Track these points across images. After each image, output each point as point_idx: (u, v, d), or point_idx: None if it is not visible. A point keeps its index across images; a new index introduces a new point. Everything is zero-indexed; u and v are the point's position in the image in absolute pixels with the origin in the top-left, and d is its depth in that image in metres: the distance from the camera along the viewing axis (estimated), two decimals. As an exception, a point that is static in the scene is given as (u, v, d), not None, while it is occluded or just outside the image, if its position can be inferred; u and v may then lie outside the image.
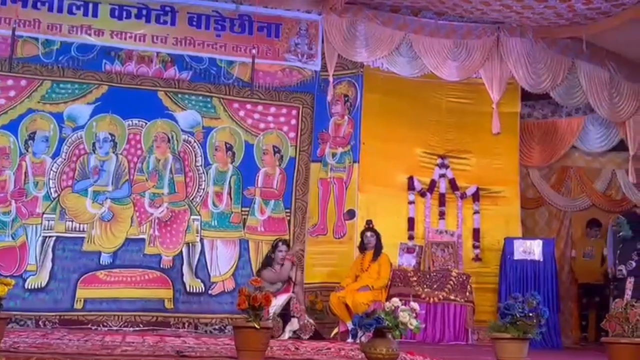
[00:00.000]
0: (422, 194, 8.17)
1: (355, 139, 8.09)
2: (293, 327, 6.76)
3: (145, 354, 4.27)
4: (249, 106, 8.11)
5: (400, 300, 4.37)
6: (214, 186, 7.91)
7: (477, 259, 8.10)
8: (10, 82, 7.49)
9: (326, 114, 8.22)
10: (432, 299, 7.34)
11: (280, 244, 7.19)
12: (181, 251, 7.69)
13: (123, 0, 7.68)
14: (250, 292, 4.02)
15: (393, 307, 4.16)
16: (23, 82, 7.51)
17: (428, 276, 7.56)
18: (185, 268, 7.66)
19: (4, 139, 7.42)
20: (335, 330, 7.10)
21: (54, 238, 7.38)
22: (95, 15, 7.62)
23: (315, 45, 8.16)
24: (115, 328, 7.10)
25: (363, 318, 4.14)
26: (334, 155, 8.16)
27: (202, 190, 7.89)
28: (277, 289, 6.96)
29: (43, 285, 7.26)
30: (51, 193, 7.46)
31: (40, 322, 6.97)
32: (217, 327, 7.46)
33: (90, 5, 7.60)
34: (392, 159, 8.06)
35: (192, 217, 7.80)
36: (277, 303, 6.70)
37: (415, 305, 4.19)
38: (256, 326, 3.97)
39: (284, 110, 8.22)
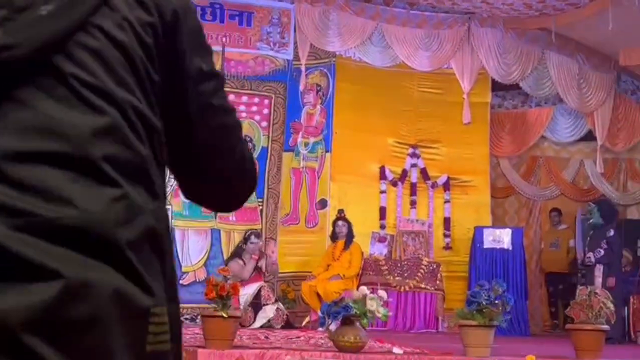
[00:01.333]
0: (394, 183, 8.22)
1: (327, 128, 8.10)
2: (267, 314, 6.76)
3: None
4: (220, 95, 8.06)
5: (370, 288, 4.41)
6: (185, 175, 7.85)
7: (447, 247, 8.18)
8: None
9: (298, 103, 8.22)
10: (402, 288, 7.41)
11: (252, 236, 7.15)
12: (152, 241, 7.65)
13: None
14: (218, 282, 4.03)
15: (361, 295, 4.19)
16: None
17: (399, 265, 7.62)
18: (156, 258, 7.62)
19: None
20: (307, 319, 7.13)
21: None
22: None
23: (287, 34, 8.14)
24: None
25: (331, 306, 4.17)
26: (306, 144, 8.16)
27: (172, 180, 7.82)
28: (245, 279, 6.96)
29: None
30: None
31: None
32: (188, 316, 7.44)
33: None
34: (364, 149, 8.08)
35: (163, 206, 7.76)
36: (248, 292, 6.70)
37: (383, 293, 4.24)
38: (224, 315, 3.98)
39: (256, 100, 8.20)
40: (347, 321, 4.17)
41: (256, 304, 6.79)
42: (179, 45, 0.88)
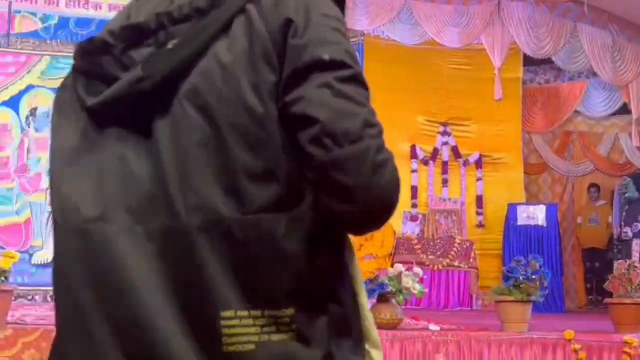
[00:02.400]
0: (425, 162, 8.17)
1: (357, 108, 8.03)
2: None
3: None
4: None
5: (404, 266, 4.40)
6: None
7: (480, 225, 8.12)
8: (9, 58, 7.46)
9: (327, 84, 8.16)
10: (436, 266, 7.38)
11: None
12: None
13: (119, -28, 7.62)
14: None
15: (396, 273, 4.18)
16: (22, 58, 7.48)
17: (432, 243, 7.59)
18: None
19: (5, 115, 7.41)
20: (340, 299, 7.14)
21: (58, 213, 7.39)
22: (92, -12, 7.57)
23: (314, 14, 8.08)
24: (122, 301, 7.15)
25: (367, 284, 4.16)
26: (328, 125, 8.11)
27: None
28: None
29: (49, 260, 7.28)
30: (54, 168, 7.46)
31: (48, 297, 7.00)
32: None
33: (87, -21, 7.55)
34: (393, 128, 7.99)
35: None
36: None
37: (418, 270, 4.22)
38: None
39: (286, 81, 8.17)
40: (383, 298, 4.17)
41: None
42: (295, 47, 0.92)
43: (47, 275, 7.03)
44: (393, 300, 4.17)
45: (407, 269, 4.27)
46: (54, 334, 3.40)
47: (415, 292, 4.15)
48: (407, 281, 4.11)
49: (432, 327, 4.39)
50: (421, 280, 4.18)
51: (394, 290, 4.13)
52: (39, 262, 7.28)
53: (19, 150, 7.41)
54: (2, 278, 3.74)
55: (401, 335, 4.10)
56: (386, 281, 4.14)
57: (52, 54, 7.54)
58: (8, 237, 7.25)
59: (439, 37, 7.92)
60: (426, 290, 4.38)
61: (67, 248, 0.97)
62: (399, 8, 7.91)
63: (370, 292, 4.11)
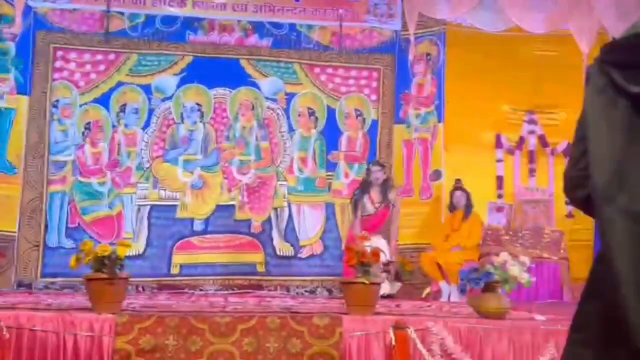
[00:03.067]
0: (511, 151, 8.01)
1: (439, 98, 7.97)
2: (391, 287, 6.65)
3: (257, 310, 4.39)
4: (329, 70, 8.10)
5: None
6: (298, 151, 7.97)
7: (569, 215, 7.90)
8: (99, 56, 7.71)
9: (408, 74, 8.12)
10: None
11: (371, 165, 7.17)
12: (270, 216, 7.81)
13: (204, -30, 7.75)
14: (359, 249, 4.05)
15: (502, 262, 4.12)
16: (112, 56, 7.72)
17: (519, 234, 7.44)
18: (274, 232, 7.78)
19: (97, 112, 7.66)
20: (427, 290, 7.10)
21: (148, 206, 7.61)
22: (177, -14, 7.73)
23: (394, 4, 8.05)
24: (211, 292, 7.29)
25: (471, 273, 4.12)
26: (417, 115, 8.06)
27: (287, 156, 7.96)
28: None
29: (140, 252, 7.50)
30: (143, 163, 7.68)
31: (139, 288, 7.20)
32: (308, 289, 7.57)
33: (172, -23, 7.71)
34: (478, 117, 7.90)
35: (278, 182, 7.90)
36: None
37: (525, 258, 4.14)
38: (365, 282, 4.01)
39: (365, 73, 8.16)
40: (489, 288, 4.11)
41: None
42: None
43: (137, 266, 7.26)
44: (499, 290, 4.11)
45: (513, 258, 4.19)
46: (167, 320, 3.51)
47: (523, 281, 4.07)
48: (514, 270, 4.04)
49: (538, 317, 4.31)
50: (528, 269, 4.10)
51: (500, 279, 4.06)
52: (130, 255, 7.48)
53: (110, 146, 7.64)
54: (118, 266, 3.86)
55: (509, 325, 4.04)
56: (492, 270, 4.08)
57: (140, 51, 7.74)
58: (101, 230, 7.50)
59: (523, 24, 7.73)
60: (534, 279, 4.29)
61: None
62: (482, -5, 7.78)
63: (475, 281, 4.06)
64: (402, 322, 3.70)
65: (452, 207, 7.30)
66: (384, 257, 6.56)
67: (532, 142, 8.06)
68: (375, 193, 7.01)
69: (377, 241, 6.82)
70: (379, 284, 4.14)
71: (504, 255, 4.09)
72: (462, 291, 4.18)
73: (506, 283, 4.04)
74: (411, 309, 4.84)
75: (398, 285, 6.74)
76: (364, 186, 7.11)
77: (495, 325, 4.00)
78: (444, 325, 3.93)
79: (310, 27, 7.99)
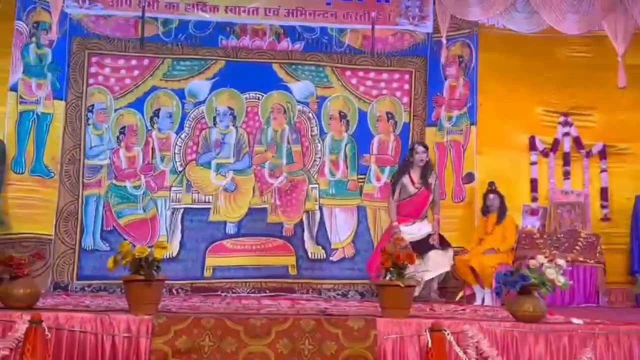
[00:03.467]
0: (545, 153, 7.92)
1: (471, 100, 7.92)
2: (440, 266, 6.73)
3: (291, 312, 4.41)
4: (361, 73, 8.10)
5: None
6: (330, 155, 7.98)
7: (605, 219, 7.79)
8: (134, 62, 7.81)
9: (440, 76, 8.08)
10: (560, 261, 7.13)
11: (416, 145, 7.13)
12: (301, 219, 7.83)
13: (235, -25, 7.82)
14: (392, 250, 4.05)
15: (538, 264, 4.08)
16: (146, 61, 7.82)
17: (555, 238, 7.35)
18: (306, 235, 7.80)
19: (132, 116, 7.77)
20: (461, 294, 7.04)
21: (182, 210, 7.69)
22: (209, -9, 7.81)
23: (426, 7, 8.03)
24: (243, 294, 7.33)
25: (507, 276, 4.09)
26: (449, 118, 8.02)
27: (318, 159, 7.98)
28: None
29: (174, 255, 7.57)
30: (177, 167, 7.76)
31: (173, 290, 7.27)
32: (340, 292, 7.57)
33: (205, -18, 7.80)
34: (511, 119, 7.84)
35: (310, 185, 7.92)
36: (413, 232, 6.84)
37: (561, 261, 4.10)
38: (400, 285, 4.00)
39: (397, 76, 8.15)
40: (525, 291, 4.07)
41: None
42: None
43: (171, 269, 7.31)
44: (536, 293, 4.07)
45: (549, 261, 4.15)
46: (203, 322, 3.55)
47: (560, 284, 4.03)
48: (551, 273, 4.00)
49: (576, 320, 4.25)
50: (565, 272, 4.05)
51: (536, 282, 4.03)
52: (164, 257, 7.52)
53: (144, 150, 7.74)
54: (155, 268, 3.91)
55: (546, 328, 3.99)
56: (528, 273, 4.04)
57: (174, 56, 7.83)
58: (136, 233, 7.59)
59: (557, 25, 7.65)
60: (571, 282, 4.24)
61: None
62: (514, -3, 7.72)
63: (512, 284, 4.02)
64: (438, 325, 3.68)
65: (485, 210, 7.24)
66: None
67: (567, 144, 7.97)
68: (415, 175, 7.00)
69: (423, 226, 6.89)
70: (413, 286, 4.13)
71: (540, 258, 4.05)
72: (498, 294, 4.15)
73: (542, 286, 4.00)
74: (446, 313, 4.81)
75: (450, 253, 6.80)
76: (405, 167, 7.11)
77: (531, 328, 3.96)
78: (480, 328, 3.90)
79: (341, 30, 8.01)
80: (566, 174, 7.91)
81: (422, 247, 6.65)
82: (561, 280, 4.02)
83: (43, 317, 3.69)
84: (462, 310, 5.21)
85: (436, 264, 6.66)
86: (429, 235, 6.84)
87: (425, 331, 3.72)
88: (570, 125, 7.98)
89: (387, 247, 4.09)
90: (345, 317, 4.00)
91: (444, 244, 6.89)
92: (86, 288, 7.21)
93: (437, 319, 4.07)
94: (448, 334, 3.68)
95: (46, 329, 3.61)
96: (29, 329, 3.60)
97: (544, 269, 4.04)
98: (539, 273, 4.04)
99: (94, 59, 7.75)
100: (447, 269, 6.79)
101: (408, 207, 6.97)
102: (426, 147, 7.13)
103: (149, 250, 3.93)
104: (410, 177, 7.00)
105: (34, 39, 7.56)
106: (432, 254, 6.68)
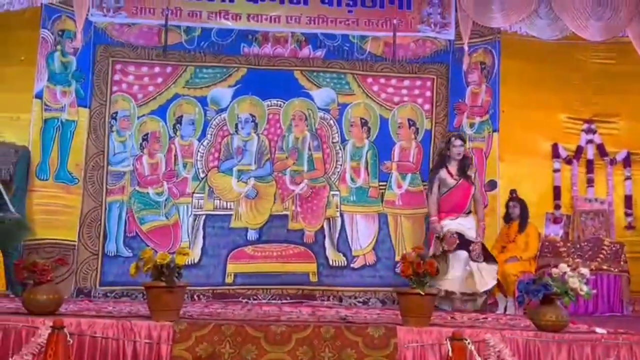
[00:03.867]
0: (568, 161, 7.86)
1: (494, 107, 7.88)
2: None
3: (311, 320, 4.41)
4: (382, 80, 8.10)
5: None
6: (351, 162, 7.98)
7: (630, 227, 7.70)
8: (157, 69, 7.89)
9: (462, 83, 8.05)
10: (583, 269, 7.05)
11: (453, 138, 6.79)
12: (322, 226, 7.83)
13: (258, -17, 7.87)
14: (414, 259, 4.03)
15: (561, 273, 4.04)
16: (169, 69, 7.89)
17: (578, 246, 7.27)
18: (327, 242, 7.80)
19: (155, 123, 7.83)
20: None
21: (203, 216, 7.73)
22: (232, 0, 7.86)
23: (448, 13, 8.01)
24: (264, 301, 7.34)
25: (529, 284, 4.05)
26: (471, 125, 7.98)
27: (339, 166, 7.98)
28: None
29: (196, 261, 7.61)
30: (199, 173, 7.81)
31: (195, 296, 7.30)
32: (360, 299, 7.55)
33: (228, -10, 7.86)
34: (534, 126, 7.79)
35: (331, 192, 7.92)
36: (452, 225, 6.60)
37: (584, 270, 4.05)
38: (421, 293, 3.98)
39: (418, 83, 8.13)
40: (548, 300, 4.03)
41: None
42: None
43: (193, 275, 7.35)
44: (558, 302, 4.03)
45: (572, 269, 4.11)
46: (224, 328, 3.56)
47: (583, 293, 3.98)
48: (574, 282, 3.96)
49: (599, 330, 4.20)
50: (588, 282, 4.00)
51: (559, 291, 3.99)
52: (186, 263, 7.56)
53: (167, 156, 7.80)
54: (177, 274, 3.93)
55: (568, 338, 3.95)
56: (550, 282, 4.00)
57: (196, 64, 7.90)
58: (158, 239, 7.64)
59: (580, 31, 7.60)
60: (594, 291, 4.19)
61: None
62: (537, 3, 7.67)
63: (533, 293, 3.99)
64: (459, 334, 3.66)
65: (507, 218, 7.19)
66: (473, 237, 6.52)
67: (591, 151, 7.90)
68: (453, 168, 6.73)
69: (465, 221, 6.65)
70: (434, 294, 4.11)
71: (562, 267, 4.01)
72: (520, 303, 4.11)
73: (565, 295, 3.96)
74: (467, 321, 4.78)
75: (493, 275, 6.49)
76: (441, 161, 6.82)
77: (553, 338, 3.92)
78: (502, 337, 3.87)
79: (363, 37, 8.02)
80: (590, 182, 7.83)
81: (464, 246, 6.44)
82: (584, 289, 3.97)
83: (65, 323, 3.74)
84: (484, 318, 5.17)
85: (482, 280, 6.34)
86: (471, 243, 6.49)
87: (446, 340, 3.70)
88: (594, 132, 7.91)
89: (407, 255, 4.07)
90: (366, 324, 3.99)
91: (488, 258, 6.51)
92: (109, 294, 7.27)
93: (458, 328, 4.05)
94: (469, 343, 3.66)
95: (68, 335, 3.65)
96: (51, 334, 3.64)
97: (567, 278, 4.00)
98: (561, 282, 4.00)
99: (117, 67, 7.84)
100: (492, 285, 6.44)
101: (450, 201, 6.69)
102: (464, 140, 6.84)
103: (170, 256, 3.95)
104: (447, 170, 6.73)
105: (59, 47, 7.68)
106: (476, 270, 6.37)
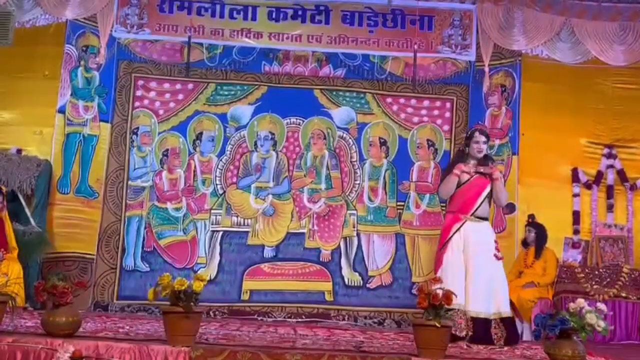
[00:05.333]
0: (588, 186, 7.80)
1: (513, 130, 7.85)
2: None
3: (325, 347, 4.41)
4: (402, 100, 8.11)
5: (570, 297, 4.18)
6: (369, 181, 7.98)
7: (649, 254, 7.63)
8: (178, 86, 7.97)
9: (482, 105, 8.04)
10: (601, 296, 6.98)
11: (477, 133, 5.74)
12: (339, 245, 7.84)
13: (280, 2, 7.93)
14: (430, 290, 4.03)
15: (578, 308, 4.02)
16: (190, 86, 7.97)
17: (597, 272, 7.20)
18: (343, 262, 7.80)
19: (175, 139, 7.90)
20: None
21: (221, 232, 7.77)
22: (254, 18, 7.93)
23: (469, 35, 8.01)
24: (280, 319, 7.35)
25: (546, 319, 4.03)
26: (491, 147, 7.92)
27: (357, 186, 7.99)
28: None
29: (212, 277, 7.64)
30: (217, 190, 7.86)
31: (210, 313, 7.32)
32: (376, 320, 7.54)
33: (250, 9, 7.93)
34: (554, 150, 7.75)
35: (348, 211, 7.93)
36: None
37: (602, 306, 4.03)
38: (437, 325, 3.98)
39: (438, 103, 8.13)
40: (564, 335, 4.01)
41: None
42: None
43: (209, 291, 7.36)
44: (575, 337, 4.00)
45: (589, 304, 4.08)
46: (239, 356, 3.57)
47: (600, 329, 3.95)
48: (592, 317, 3.93)
49: (616, 366, 4.16)
50: (606, 317, 3.97)
51: (576, 326, 3.96)
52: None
53: (186, 172, 7.86)
54: (194, 300, 3.96)
55: (584, 374, 3.92)
56: (568, 317, 3.98)
57: (217, 81, 7.97)
58: (175, 255, 7.70)
59: (602, 56, 7.59)
60: (612, 327, 4.16)
61: None
62: (559, 27, 7.67)
63: (551, 328, 3.97)
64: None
65: (525, 243, 7.15)
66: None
67: (611, 176, 7.83)
68: (469, 166, 5.67)
69: (480, 227, 5.58)
70: (450, 327, 4.10)
71: (580, 302, 3.98)
72: (537, 337, 4.09)
73: (582, 330, 3.93)
74: (483, 352, 4.75)
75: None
76: (459, 158, 5.81)
77: (570, 373, 3.89)
78: (517, 372, 3.85)
79: (383, 58, 8.04)
80: (609, 207, 7.77)
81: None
82: (602, 325, 3.94)
83: (83, 347, 3.78)
84: (500, 348, 5.14)
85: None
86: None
87: (461, 377, 3.69)
88: (615, 157, 7.85)
89: (422, 286, 4.07)
90: (381, 355, 3.99)
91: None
92: (126, 308, 7.32)
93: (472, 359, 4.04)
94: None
95: (86, 361, 3.70)
96: (70, 365, 3.69)
97: (584, 313, 3.97)
98: (579, 317, 3.97)
99: (139, 83, 7.93)
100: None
101: (461, 196, 5.61)
102: (487, 137, 5.80)
103: (188, 282, 3.99)
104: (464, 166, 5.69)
105: (82, 62, 7.78)
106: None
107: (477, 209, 5.58)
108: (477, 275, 5.37)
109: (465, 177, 5.67)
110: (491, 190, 5.64)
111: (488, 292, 5.37)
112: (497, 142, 7.92)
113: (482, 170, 5.64)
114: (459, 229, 5.54)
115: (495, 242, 5.62)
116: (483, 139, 5.72)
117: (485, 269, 5.42)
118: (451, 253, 5.48)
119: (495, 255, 5.53)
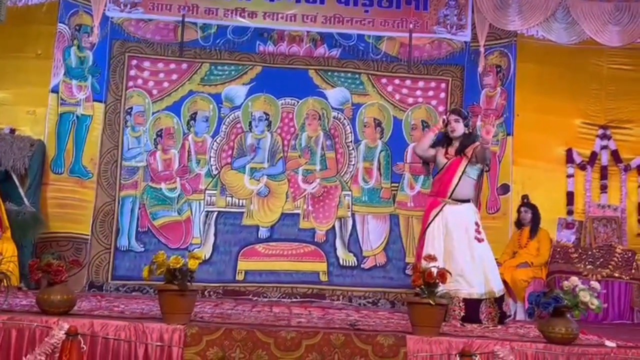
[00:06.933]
0: (582, 166, 7.82)
1: (508, 110, 7.85)
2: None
3: (320, 325, 4.43)
4: (397, 81, 8.08)
5: (562, 277, 4.21)
6: (363, 162, 7.98)
7: (642, 234, 7.68)
8: (172, 66, 7.92)
9: (477, 86, 8.02)
10: (594, 277, 7.03)
11: (448, 113, 5.74)
12: (334, 226, 7.85)
13: (274, -19, 7.86)
14: (424, 268, 4.04)
15: (571, 286, 4.05)
16: (184, 66, 7.92)
17: (590, 253, 7.25)
18: (338, 242, 7.82)
19: (169, 119, 7.87)
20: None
21: (215, 213, 7.77)
22: (248, -2, 7.88)
23: (464, 15, 7.97)
24: (274, 299, 7.37)
25: (540, 297, 4.06)
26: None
27: (352, 166, 7.99)
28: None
29: (207, 257, 7.65)
30: (212, 170, 7.84)
31: (205, 293, 7.34)
32: (370, 300, 7.57)
33: (244, -12, 7.87)
34: (548, 131, 7.76)
35: (343, 192, 7.93)
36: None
37: (595, 284, 4.06)
38: (431, 302, 4.00)
39: (433, 84, 8.11)
40: (558, 312, 4.03)
41: None
42: None
43: (204, 271, 7.39)
44: (568, 315, 4.03)
45: (583, 282, 4.11)
46: (234, 333, 3.59)
47: (593, 307, 3.98)
48: (585, 295, 3.96)
49: (609, 343, 4.20)
50: (599, 295, 4.00)
51: (569, 304, 3.99)
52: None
53: (180, 153, 7.84)
54: (189, 278, 3.97)
55: (577, 351, 3.95)
56: (561, 295, 4.00)
57: (212, 61, 7.92)
58: (170, 235, 7.70)
59: (597, 36, 7.56)
60: (605, 305, 4.19)
61: None
62: (554, 7, 7.62)
63: (545, 306, 3.99)
64: (468, 348, 3.67)
65: (519, 224, 7.18)
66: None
67: (605, 157, 7.86)
68: (452, 148, 5.61)
69: (461, 208, 5.52)
70: (445, 305, 4.12)
71: (573, 280, 4.01)
72: (530, 315, 4.12)
73: (576, 308, 3.96)
74: (477, 330, 4.78)
75: None
76: (439, 141, 5.70)
77: (563, 351, 3.92)
78: (511, 349, 3.88)
79: (378, 38, 8.00)
80: (603, 188, 7.80)
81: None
82: (595, 303, 3.97)
83: (78, 324, 3.78)
84: (494, 327, 5.17)
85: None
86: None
87: (456, 356, 3.72)
88: (609, 138, 7.87)
89: (417, 265, 4.08)
90: (376, 333, 4.01)
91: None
92: (120, 288, 7.33)
93: (468, 338, 4.06)
94: (477, 359, 3.67)
95: (82, 342, 3.70)
96: (65, 341, 3.69)
97: (578, 291, 4.00)
98: (572, 295, 4.00)
99: (133, 62, 7.88)
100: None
101: (439, 181, 5.62)
102: (461, 116, 5.64)
103: (183, 260, 3.99)
104: (446, 150, 5.63)
105: (75, 41, 7.71)
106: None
107: (454, 191, 5.50)
108: (458, 257, 5.33)
109: (444, 161, 5.60)
110: (467, 169, 5.52)
111: (471, 273, 5.33)
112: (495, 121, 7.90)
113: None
114: (438, 213, 5.52)
115: (476, 224, 5.49)
116: (454, 117, 5.60)
117: (466, 251, 5.36)
118: (431, 237, 5.47)
119: (477, 238, 5.43)
